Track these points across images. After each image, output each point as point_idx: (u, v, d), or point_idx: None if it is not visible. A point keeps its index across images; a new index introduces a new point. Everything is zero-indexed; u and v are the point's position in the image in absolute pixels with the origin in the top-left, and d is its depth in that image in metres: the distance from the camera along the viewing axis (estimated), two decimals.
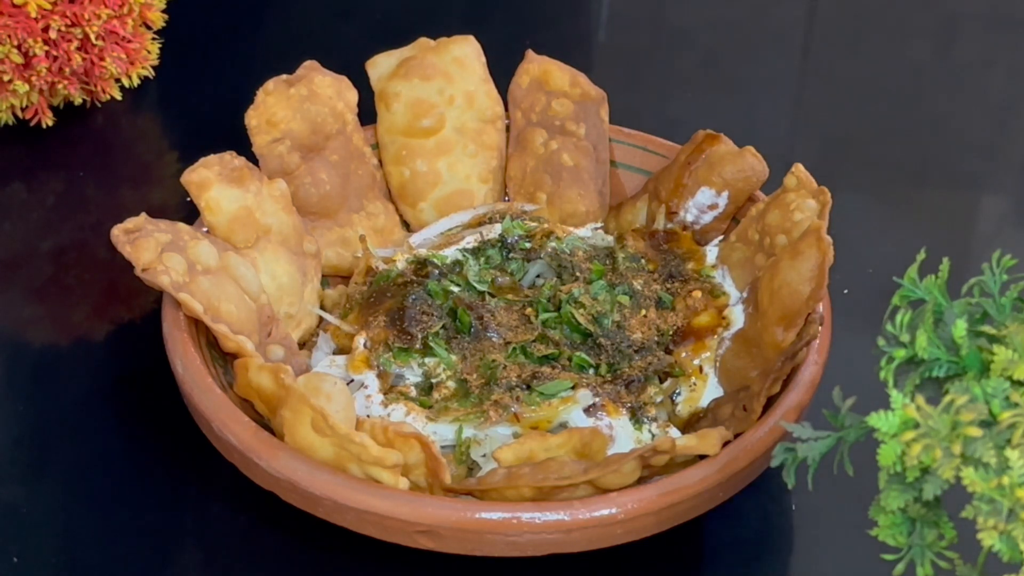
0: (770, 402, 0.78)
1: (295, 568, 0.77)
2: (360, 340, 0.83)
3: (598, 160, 0.95)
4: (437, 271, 0.86)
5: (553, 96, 0.95)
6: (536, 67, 0.96)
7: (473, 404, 0.80)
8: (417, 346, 0.82)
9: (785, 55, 1.25)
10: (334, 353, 0.85)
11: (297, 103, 0.89)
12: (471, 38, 0.95)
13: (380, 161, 0.95)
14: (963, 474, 0.57)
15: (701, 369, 0.84)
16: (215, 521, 0.80)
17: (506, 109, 0.96)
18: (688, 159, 0.91)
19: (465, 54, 0.95)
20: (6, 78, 1.00)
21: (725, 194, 0.90)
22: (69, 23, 1.00)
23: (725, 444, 0.75)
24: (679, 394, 0.83)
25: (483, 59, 0.95)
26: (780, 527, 0.81)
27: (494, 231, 0.91)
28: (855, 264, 0.96)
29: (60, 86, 1.02)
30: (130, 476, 0.82)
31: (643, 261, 0.89)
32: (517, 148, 0.95)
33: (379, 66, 0.95)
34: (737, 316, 0.85)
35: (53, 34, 0.99)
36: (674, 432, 0.81)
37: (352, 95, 0.92)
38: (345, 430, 0.72)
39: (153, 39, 1.07)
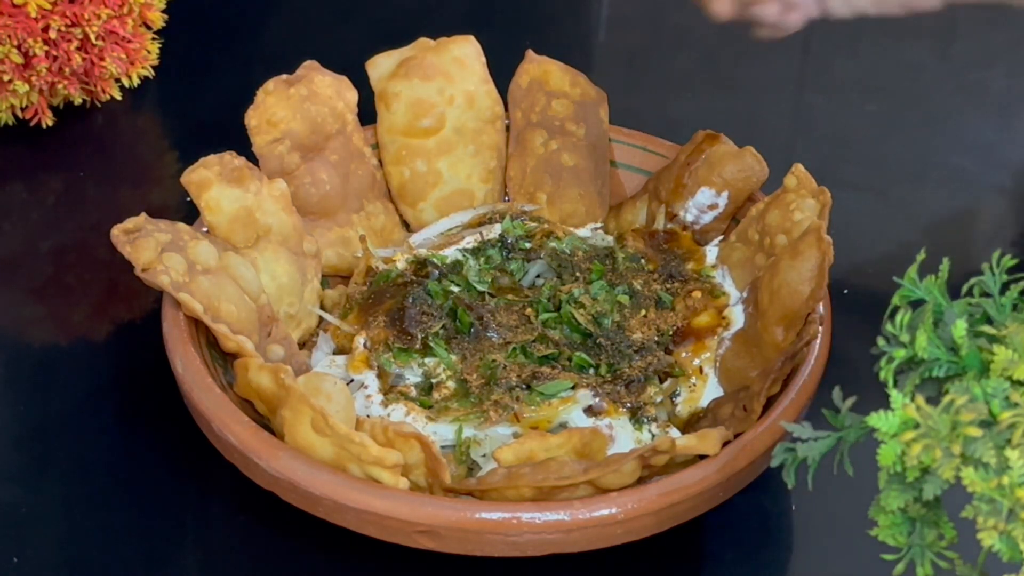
0: (770, 402, 0.78)
1: (295, 568, 0.77)
2: (360, 340, 0.83)
3: (598, 160, 0.95)
4: (437, 271, 0.86)
5: (553, 96, 0.95)
6: (536, 67, 0.96)
7: (473, 404, 0.80)
8: (417, 346, 0.82)
9: (785, 55, 1.25)
10: (334, 353, 0.85)
11: (297, 103, 0.89)
12: (471, 38, 0.95)
13: (380, 161, 0.95)
14: (963, 474, 0.57)
15: (701, 369, 0.83)
16: (215, 521, 0.80)
17: (506, 109, 0.96)
18: (688, 159, 0.91)
19: (465, 54, 0.94)
20: (6, 78, 1.00)
21: (725, 194, 0.89)
22: (69, 23, 1.00)
23: (725, 444, 0.75)
24: (679, 394, 0.83)
25: (483, 59, 0.95)
26: (780, 527, 0.81)
27: (494, 231, 0.91)
28: (855, 264, 0.96)
29: (60, 86, 1.02)
30: (130, 476, 0.82)
31: (643, 261, 0.89)
32: (517, 148, 0.95)
33: (379, 66, 0.95)
34: (737, 316, 0.85)
35: (53, 34, 0.99)
36: (674, 432, 0.81)
37: (352, 95, 0.92)
38: (345, 430, 0.72)
39: (153, 39, 1.07)
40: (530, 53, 0.97)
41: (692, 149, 0.91)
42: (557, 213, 0.94)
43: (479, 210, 0.94)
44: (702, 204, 0.90)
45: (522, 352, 0.82)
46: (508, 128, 0.96)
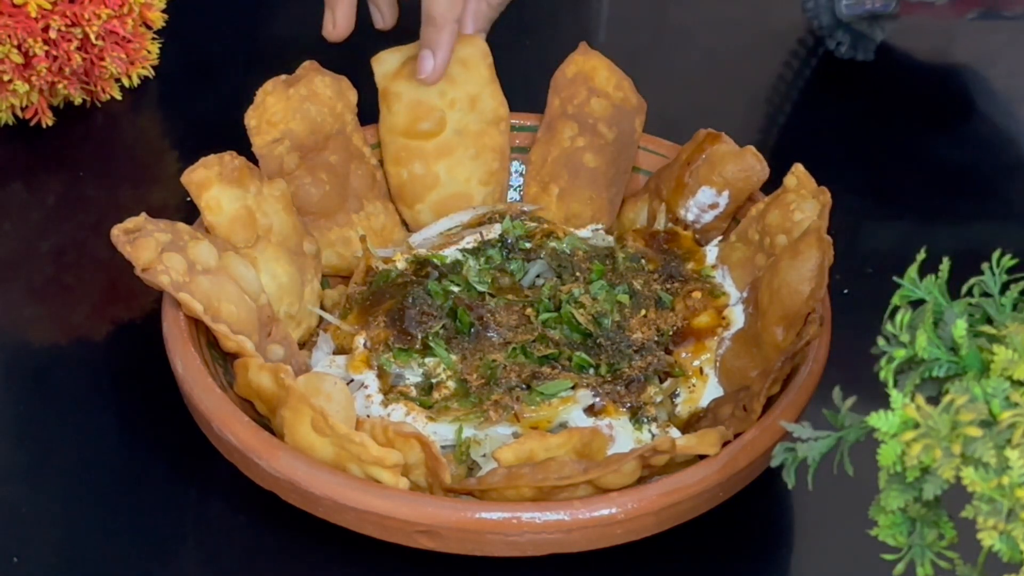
0: (770, 402, 0.78)
1: (295, 568, 0.77)
2: (360, 340, 0.83)
3: (619, 168, 0.95)
4: (437, 271, 0.86)
5: (594, 94, 0.95)
6: (585, 60, 0.95)
7: (473, 404, 0.80)
8: (417, 346, 0.82)
9: (785, 55, 1.25)
10: (334, 353, 0.85)
11: (297, 103, 0.89)
12: (478, 38, 0.95)
13: (381, 160, 0.95)
14: (963, 474, 0.57)
15: (701, 370, 0.83)
16: (215, 521, 0.80)
17: (508, 106, 0.95)
18: (689, 158, 0.91)
19: (471, 55, 0.94)
20: (6, 78, 1.00)
21: (726, 193, 0.89)
22: (69, 23, 1.00)
23: (725, 444, 0.75)
24: (679, 394, 0.83)
25: (490, 60, 0.95)
26: (780, 527, 0.81)
27: (494, 231, 0.90)
28: (855, 264, 0.96)
29: (60, 86, 1.02)
30: (130, 476, 0.82)
31: (643, 261, 0.89)
32: (545, 135, 0.95)
33: (384, 63, 0.94)
34: (737, 316, 0.85)
35: (53, 34, 0.99)
36: (674, 432, 0.81)
37: (352, 95, 0.92)
38: (345, 430, 0.72)
39: (153, 39, 1.07)
40: (584, 45, 0.96)
41: (693, 148, 0.91)
42: (564, 210, 0.94)
43: (479, 210, 0.94)
44: (703, 203, 0.90)
45: (522, 352, 0.82)
46: (532, 125, 0.96)
